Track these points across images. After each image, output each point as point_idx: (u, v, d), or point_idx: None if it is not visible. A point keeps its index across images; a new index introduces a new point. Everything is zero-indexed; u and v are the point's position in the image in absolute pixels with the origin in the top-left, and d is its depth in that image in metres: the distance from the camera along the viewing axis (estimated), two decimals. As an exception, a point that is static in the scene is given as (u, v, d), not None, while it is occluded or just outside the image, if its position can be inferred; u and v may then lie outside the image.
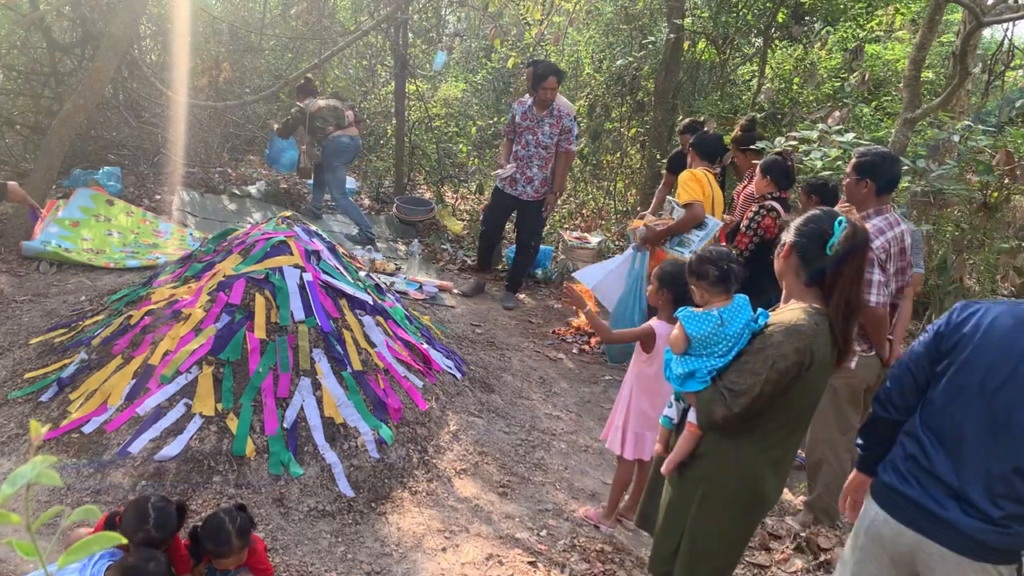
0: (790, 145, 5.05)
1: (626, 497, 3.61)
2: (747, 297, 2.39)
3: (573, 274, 5.68)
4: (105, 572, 2.12)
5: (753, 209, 4.55)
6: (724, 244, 4.77)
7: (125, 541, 0.76)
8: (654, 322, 3.28)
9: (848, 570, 2.32)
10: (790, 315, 2.21)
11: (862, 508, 2.31)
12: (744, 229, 4.55)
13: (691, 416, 2.36)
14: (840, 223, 2.17)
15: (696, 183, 4.82)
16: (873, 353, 3.61)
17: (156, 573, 2.15)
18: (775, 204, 4.52)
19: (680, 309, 2.40)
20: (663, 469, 2.48)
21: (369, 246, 7.05)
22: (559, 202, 9.85)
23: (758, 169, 4.68)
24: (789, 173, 4.64)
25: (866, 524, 2.24)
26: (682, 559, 2.43)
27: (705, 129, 5.92)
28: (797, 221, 2.29)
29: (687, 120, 6.09)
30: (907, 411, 2.20)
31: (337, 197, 7.18)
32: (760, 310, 2.33)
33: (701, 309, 2.37)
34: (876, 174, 3.48)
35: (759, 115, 7.09)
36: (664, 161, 7.22)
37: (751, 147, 5.17)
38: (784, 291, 2.34)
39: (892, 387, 2.23)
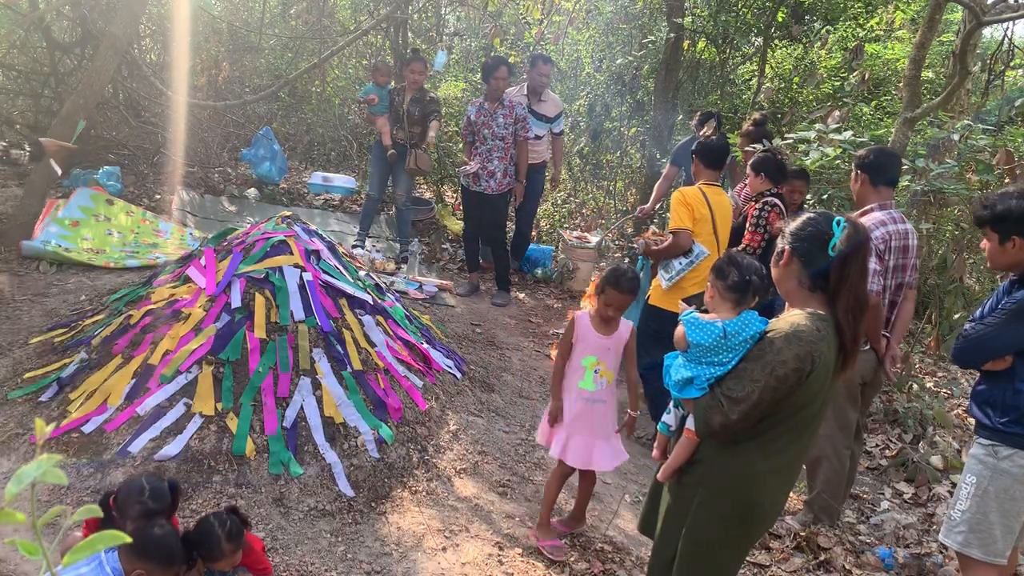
0: (788, 144, 5.04)
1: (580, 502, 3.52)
2: (755, 312, 2.32)
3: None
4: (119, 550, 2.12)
5: (757, 207, 4.44)
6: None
7: (129, 540, 0.76)
8: (578, 313, 3.28)
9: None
10: (791, 320, 2.17)
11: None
12: (752, 228, 4.44)
13: (689, 423, 2.32)
14: (839, 223, 2.15)
15: (684, 208, 4.26)
16: (868, 347, 3.61)
17: (163, 535, 2.18)
18: (776, 200, 4.49)
19: (685, 312, 2.38)
20: (660, 475, 2.46)
21: (361, 245, 6.97)
22: (559, 201, 9.87)
23: (749, 168, 4.56)
24: (782, 168, 4.53)
25: None
26: (678, 566, 2.39)
27: (705, 132, 5.82)
28: (792, 227, 2.25)
29: (700, 113, 5.90)
30: None
31: (408, 204, 6.96)
32: (760, 318, 2.29)
33: (707, 318, 2.32)
34: (869, 168, 3.59)
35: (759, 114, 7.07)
36: (664, 160, 7.22)
37: (756, 143, 5.13)
38: (786, 299, 2.30)
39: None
